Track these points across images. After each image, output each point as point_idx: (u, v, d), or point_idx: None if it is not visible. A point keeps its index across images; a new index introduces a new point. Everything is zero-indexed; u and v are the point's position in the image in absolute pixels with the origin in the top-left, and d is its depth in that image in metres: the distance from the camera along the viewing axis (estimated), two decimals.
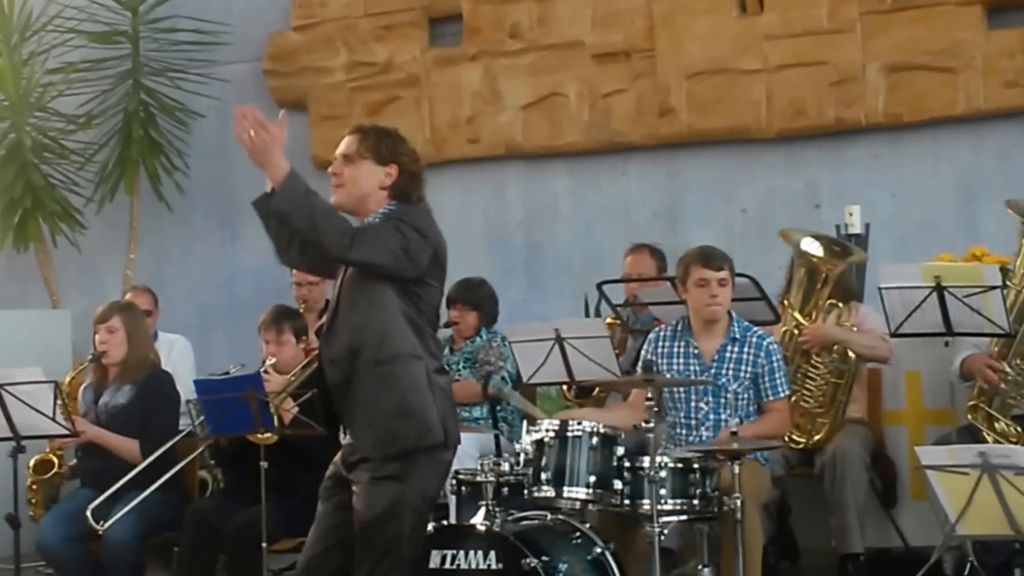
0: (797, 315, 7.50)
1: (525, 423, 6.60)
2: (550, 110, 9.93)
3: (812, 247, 7.52)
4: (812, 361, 7.51)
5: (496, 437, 7.51)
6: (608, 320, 8.01)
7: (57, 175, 11.03)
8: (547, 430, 6.32)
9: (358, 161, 5.53)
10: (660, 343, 6.93)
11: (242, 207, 5.52)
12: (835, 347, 7.50)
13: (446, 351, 8.60)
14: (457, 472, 6.74)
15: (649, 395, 6.11)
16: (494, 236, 10.18)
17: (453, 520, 6.58)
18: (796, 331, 7.48)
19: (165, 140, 10.88)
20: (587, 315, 8.98)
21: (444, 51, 10.30)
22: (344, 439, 5.56)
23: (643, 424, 6.11)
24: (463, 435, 7.78)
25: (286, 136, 5.32)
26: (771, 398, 6.76)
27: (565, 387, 8.01)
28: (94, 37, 10.94)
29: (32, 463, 7.97)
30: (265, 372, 7.21)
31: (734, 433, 6.13)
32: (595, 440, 6.24)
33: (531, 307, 9.83)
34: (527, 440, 6.38)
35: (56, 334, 9.83)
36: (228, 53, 10.69)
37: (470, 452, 7.78)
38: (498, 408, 7.85)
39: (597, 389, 7.87)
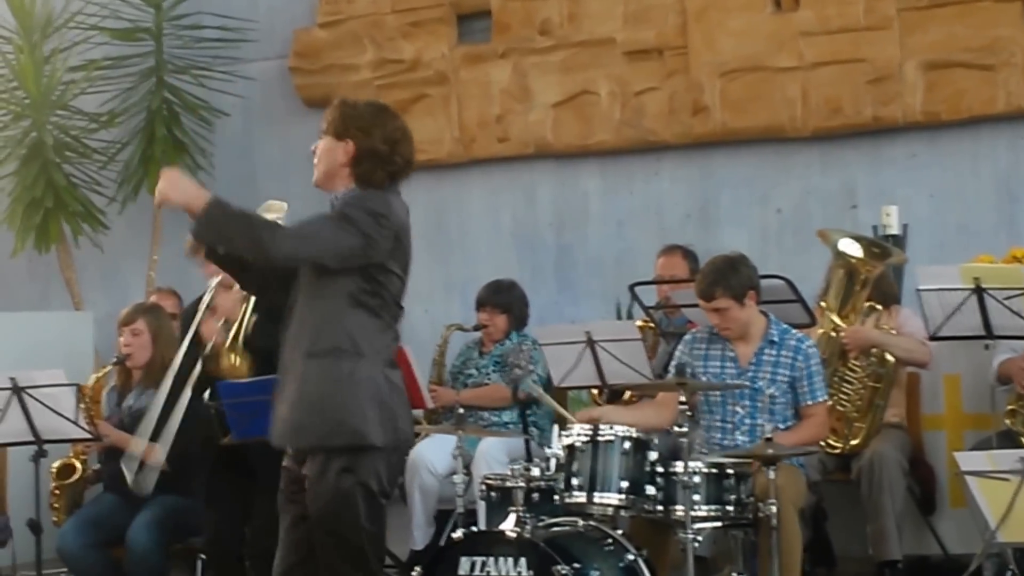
0: (835, 317, 7.40)
1: (556, 427, 6.56)
2: (581, 108, 9.82)
3: (851, 248, 7.43)
4: (850, 364, 7.44)
5: (526, 442, 7.45)
6: (640, 323, 7.98)
7: (79, 174, 10.96)
8: (578, 435, 6.26)
9: (324, 136, 5.32)
10: (696, 345, 6.83)
11: None
12: (873, 350, 7.41)
13: (475, 354, 8.60)
14: (487, 477, 6.74)
15: (683, 399, 6.03)
16: (524, 237, 10.10)
17: (483, 526, 6.56)
18: (834, 333, 7.37)
19: (189, 139, 10.79)
20: (619, 318, 8.92)
21: (473, 48, 10.20)
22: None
23: (676, 428, 6.03)
24: (493, 439, 7.84)
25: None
26: (809, 403, 6.67)
27: (596, 391, 7.98)
28: (117, 34, 10.87)
29: (55, 468, 7.87)
30: None
31: (769, 439, 6.04)
32: (627, 445, 6.18)
33: (562, 309, 9.75)
34: (558, 445, 6.32)
35: (78, 336, 9.77)
36: (253, 50, 10.61)
37: (500, 457, 7.79)
38: (528, 412, 7.81)
39: (629, 393, 7.79)
